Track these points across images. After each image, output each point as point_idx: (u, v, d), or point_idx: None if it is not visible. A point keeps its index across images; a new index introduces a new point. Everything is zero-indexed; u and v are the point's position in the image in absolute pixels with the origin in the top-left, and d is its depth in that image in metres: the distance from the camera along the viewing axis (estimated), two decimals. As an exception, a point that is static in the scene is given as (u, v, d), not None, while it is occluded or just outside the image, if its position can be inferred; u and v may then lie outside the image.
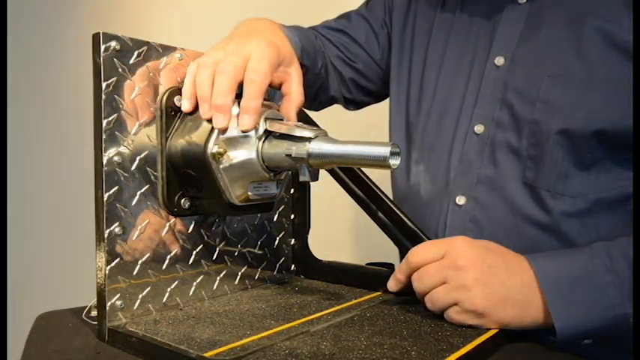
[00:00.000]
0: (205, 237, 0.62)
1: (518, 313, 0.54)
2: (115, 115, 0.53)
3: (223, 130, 0.54)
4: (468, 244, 0.56)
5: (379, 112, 0.97)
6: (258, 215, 0.68)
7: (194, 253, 0.61)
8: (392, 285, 0.62)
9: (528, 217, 0.66)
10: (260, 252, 0.69)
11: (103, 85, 0.52)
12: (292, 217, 0.73)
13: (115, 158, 0.53)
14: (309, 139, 0.52)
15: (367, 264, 0.72)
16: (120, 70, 0.53)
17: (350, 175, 0.69)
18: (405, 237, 0.66)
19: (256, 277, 0.69)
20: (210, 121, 0.54)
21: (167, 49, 0.58)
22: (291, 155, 0.52)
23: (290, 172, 0.63)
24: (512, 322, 0.54)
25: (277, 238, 0.72)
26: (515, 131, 0.67)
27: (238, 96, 0.55)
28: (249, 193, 0.56)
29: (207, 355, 0.46)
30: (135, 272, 0.55)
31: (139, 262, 0.56)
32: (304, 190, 0.73)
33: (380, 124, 0.96)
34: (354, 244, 1.43)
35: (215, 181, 0.54)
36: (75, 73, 1.75)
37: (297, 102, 0.61)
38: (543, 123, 0.64)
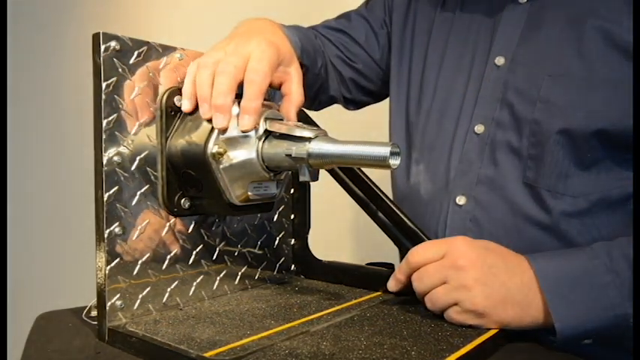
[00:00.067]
0: (205, 237, 0.62)
1: (518, 313, 0.54)
2: (115, 115, 0.53)
3: (223, 130, 0.54)
4: (468, 244, 0.56)
5: (379, 112, 0.97)
6: (258, 215, 0.68)
7: (194, 253, 0.61)
8: (392, 285, 0.62)
9: (528, 217, 0.66)
10: (260, 252, 0.69)
11: (103, 85, 0.52)
12: (292, 217, 0.73)
13: (115, 158, 0.53)
14: (309, 139, 0.52)
15: (367, 264, 0.72)
16: (120, 70, 0.53)
17: (350, 175, 0.69)
18: (405, 237, 0.66)
19: (256, 277, 0.69)
20: (210, 121, 0.54)
21: (167, 49, 0.58)
22: (291, 155, 0.52)
23: (290, 172, 0.63)
24: (512, 322, 0.54)
25: (277, 238, 0.72)
26: (516, 131, 0.67)
27: (238, 96, 0.55)
28: (249, 193, 0.56)
29: (207, 355, 0.46)
30: (135, 272, 0.55)
31: (139, 262, 0.56)
32: (304, 190, 0.73)
33: (380, 124, 0.96)
34: (354, 244, 1.43)
35: (215, 181, 0.54)
36: (75, 73, 1.75)
37: (297, 102, 0.61)
38: (544, 123, 0.64)
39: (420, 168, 0.77)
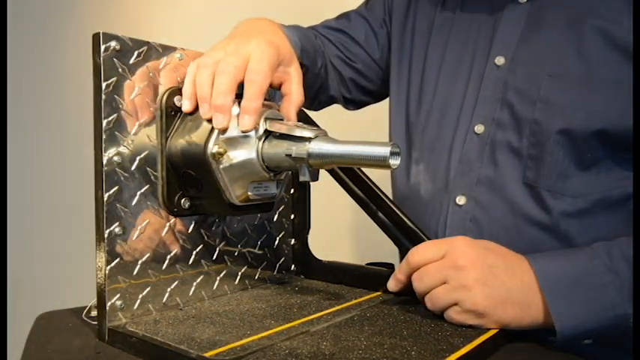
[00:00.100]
0: (205, 237, 0.62)
1: (518, 313, 0.54)
2: (115, 115, 0.53)
3: (223, 130, 0.54)
4: (468, 244, 0.56)
5: (379, 112, 0.97)
6: (258, 215, 0.68)
7: (194, 253, 0.61)
8: (392, 285, 0.62)
9: (528, 217, 0.66)
10: (260, 252, 0.69)
11: (103, 85, 0.52)
12: (292, 217, 0.73)
13: (115, 158, 0.53)
14: (309, 139, 0.52)
15: (367, 264, 0.72)
16: (120, 70, 0.53)
17: (350, 175, 0.69)
18: (405, 237, 0.66)
19: (256, 277, 0.69)
20: (210, 121, 0.54)
21: (167, 49, 0.58)
22: (291, 155, 0.52)
23: (290, 172, 0.63)
24: (512, 322, 0.54)
25: (277, 238, 0.72)
26: (516, 131, 0.67)
27: (238, 96, 0.55)
28: (249, 193, 0.56)
29: (207, 355, 0.46)
30: (135, 272, 0.55)
31: (139, 262, 0.56)
32: (304, 190, 0.73)
33: (380, 124, 0.96)
34: (354, 244, 1.43)
35: (215, 181, 0.54)
36: (75, 73, 1.75)
37: (297, 102, 0.61)
38: (544, 123, 0.64)
39: (420, 168, 0.77)
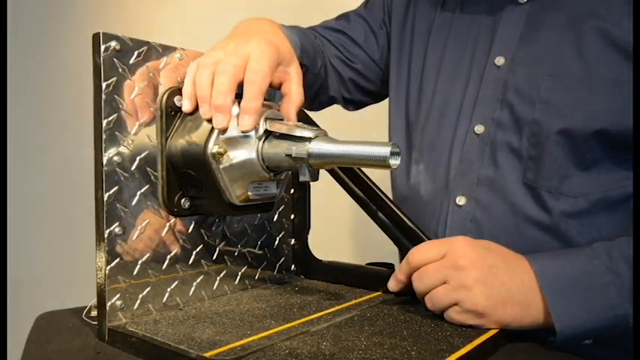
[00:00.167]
0: (205, 237, 0.62)
1: (518, 313, 0.54)
2: (115, 115, 0.53)
3: (223, 130, 0.54)
4: (468, 244, 0.56)
5: (379, 112, 0.97)
6: (258, 215, 0.68)
7: (194, 253, 0.61)
8: (392, 285, 0.62)
9: (529, 218, 0.66)
10: (260, 252, 0.69)
11: (103, 85, 0.52)
12: (292, 217, 0.73)
13: (115, 158, 0.53)
14: (309, 139, 0.52)
15: (367, 264, 0.72)
16: (120, 70, 0.53)
17: (350, 175, 0.69)
18: (405, 237, 0.66)
19: (256, 277, 0.69)
20: (210, 121, 0.54)
21: (167, 49, 0.58)
22: (291, 155, 0.52)
23: (290, 172, 0.63)
24: (512, 322, 0.54)
25: (277, 238, 0.72)
26: (516, 131, 0.67)
27: (238, 96, 0.55)
28: (249, 193, 0.56)
29: (207, 355, 0.46)
30: (135, 272, 0.55)
31: (139, 262, 0.56)
32: (304, 190, 0.73)
33: (380, 124, 0.96)
34: (354, 244, 1.43)
35: (215, 181, 0.54)
36: (75, 73, 1.75)
37: (297, 102, 0.61)
38: (544, 123, 0.64)
39: (420, 168, 0.77)
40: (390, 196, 0.69)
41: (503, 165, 0.68)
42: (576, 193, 0.64)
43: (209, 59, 0.56)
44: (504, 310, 0.54)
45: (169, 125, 0.57)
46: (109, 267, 0.53)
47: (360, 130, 1.12)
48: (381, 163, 0.48)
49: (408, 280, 0.59)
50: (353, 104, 0.92)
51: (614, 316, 0.53)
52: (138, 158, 0.55)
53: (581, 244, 0.61)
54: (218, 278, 0.64)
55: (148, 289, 0.56)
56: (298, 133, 0.52)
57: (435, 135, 0.75)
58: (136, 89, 0.54)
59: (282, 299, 0.63)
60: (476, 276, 0.54)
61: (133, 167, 0.55)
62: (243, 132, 0.54)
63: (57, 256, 1.93)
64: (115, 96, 0.53)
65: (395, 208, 0.67)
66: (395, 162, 0.49)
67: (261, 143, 0.54)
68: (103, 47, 0.52)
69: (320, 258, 0.73)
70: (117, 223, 0.53)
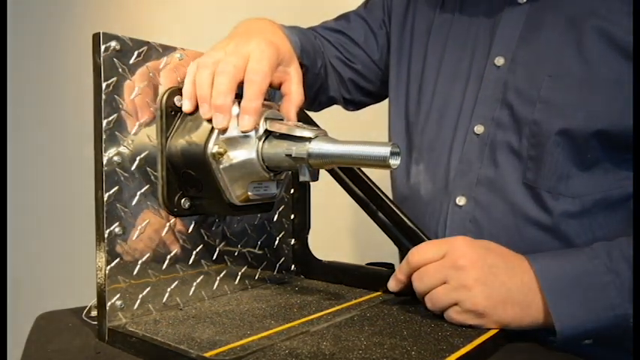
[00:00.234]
0: (205, 237, 0.62)
1: (518, 313, 0.54)
2: (115, 115, 0.53)
3: (223, 130, 0.54)
4: (468, 244, 0.56)
5: (379, 112, 0.97)
6: (258, 215, 0.68)
7: (194, 253, 0.61)
8: (392, 285, 0.62)
9: (529, 218, 0.66)
10: (260, 252, 0.69)
11: (103, 85, 0.52)
12: (292, 217, 0.73)
13: (115, 158, 0.53)
14: (309, 139, 0.52)
15: (367, 264, 0.72)
16: (120, 70, 0.53)
17: (350, 175, 0.69)
18: (405, 237, 0.66)
19: (256, 277, 0.69)
20: (210, 121, 0.54)
21: (167, 49, 0.58)
22: (291, 155, 0.52)
23: (290, 172, 0.63)
24: (512, 322, 0.54)
25: (277, 238, 0.72)
26: (516, 131, 0.67)
27: (238, 96, 0.55)
28: (249, 193, 0.56)
29: (207, 355, 0.46)
30: (135, 272, 0.55)
31: (139, 262, 0.56)
32: (304, 190, 0.73)
33: (380, 124, 0.96)
34: (354, 244, 1.43)
35: (215, 181, 0.54)
36: (75, 73, 1.75)
37: (297, 102, 0.61)
38: (544, 123, 0.64)
39: (419, 168, 0.77)
40: (390, 196, 0.69)
41: (503, 165, 0.67)
42: (576, 194, 0.64)
43: (209, 59, 0.56)
44: (504, 310, 0.54)
45: (169, 125, 0.57)
46: (109, 267, 0.53)
47: (360, 130, 1.12)
48: (381, 163, 0.48)
49: (408, 280, 0.59)
50: (353, 104, 0.92)
51: (614, 316, 0.53)
52: (138, 158, 0.55)
53: (581, 245, 0.61)
54: (218, 278, 0.64)
55: (148, 289, 0.56)
56: (298, 133, 0.52)
57: (434, 135, 0.75)
58: (136, 89, 0.54)
59: (282, 299, 0.63)
60: (476, 276, 0.54)
61: (133, 167, 0.55)
62: (243, 132, 0.54)
63: (57, 256, 1.93)
64: (115, 96, 0.53)
65: (395, 208, 0.67)
66: (395, 162, 0.49)
67: (261, 143, 0.54)
68: (103, 47, 0.52)
69: (320, 258, 0.73)
70: (117, 223, 0.53)
